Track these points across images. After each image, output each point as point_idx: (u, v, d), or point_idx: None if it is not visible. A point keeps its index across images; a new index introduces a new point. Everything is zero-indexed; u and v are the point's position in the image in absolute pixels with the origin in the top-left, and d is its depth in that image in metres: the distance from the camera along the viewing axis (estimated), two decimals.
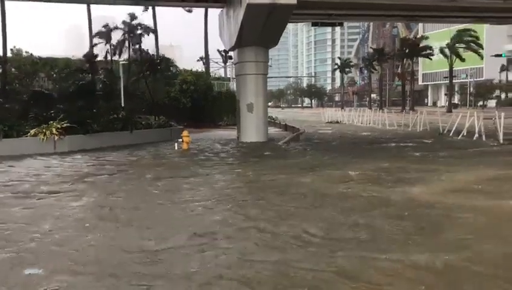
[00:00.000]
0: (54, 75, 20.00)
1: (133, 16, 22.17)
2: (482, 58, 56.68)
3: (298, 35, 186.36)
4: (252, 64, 18.81)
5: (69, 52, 58.86)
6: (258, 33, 17.59)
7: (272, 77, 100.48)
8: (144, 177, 10.12)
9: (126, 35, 22.21)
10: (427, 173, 9.91)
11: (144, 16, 29.72)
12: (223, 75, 49.63)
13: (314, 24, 26.94)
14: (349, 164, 11.60)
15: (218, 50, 49.41)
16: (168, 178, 9.88)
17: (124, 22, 22.32)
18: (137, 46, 22.58)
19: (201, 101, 27.85)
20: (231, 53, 25.49)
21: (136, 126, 18.79)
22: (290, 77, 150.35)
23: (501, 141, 16.12)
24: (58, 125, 15.32)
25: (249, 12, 16.44)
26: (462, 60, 55.40)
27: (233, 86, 33.91)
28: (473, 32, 54.25)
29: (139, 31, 22.27)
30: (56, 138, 15.18)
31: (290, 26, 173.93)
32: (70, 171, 11.16)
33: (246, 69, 18.94)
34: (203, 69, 38.86)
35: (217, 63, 51.43)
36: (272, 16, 16.62)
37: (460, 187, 8.49)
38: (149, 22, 26.73)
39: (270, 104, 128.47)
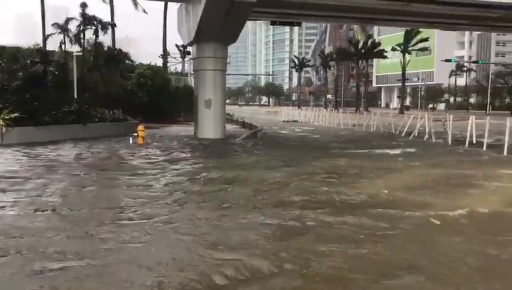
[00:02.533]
0: (2, 65, 19.11)
1: (84, 5, 21.55)
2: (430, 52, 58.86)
3: (257, 33, 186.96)
4: (210, 60, 18.72)
5: (18, 41, 56.58)
6: (217, 29, 17.53)
7: (230, 74, 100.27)
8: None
9: (81, 26, 21.59)
10: (375, 171, 10.22)
11: (100, 8, 28.80)
12: (181, 70, 49.16)
13: (272, 23, 27.14)
14: (306, 161, 11.78)
15: (176, 45, 48.84)
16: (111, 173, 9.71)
17: (80, 13, 21.70)
18: (92, 37, 21.99)
19: (159, 96, 27.44)
20: (190, 48, 25.26)
21: (90, 119, 18.29)
22: (249, 75, 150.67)
23: (449, 142, 16.79)
24: (6, 117, 14.72)
25: (208, 8, 16.36)
26: (409, 53, 57.47)
27: (191, 81, 33.65)
28: (421, 37, 56.34)
29: (94, 22, 21.69)
30: (4, 129, 14.57)
31: (249, 25, 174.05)
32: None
33: (205, 65, 18.83)
34: (162, 64, 38.30)
35: (175, 58, 50.81)
36: (231, 13, 16.61)
37: (394, 185, 8.76)
38: (106, 14, 26.13)
39: (228, 101, 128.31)
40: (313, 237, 5.34)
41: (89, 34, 22.33)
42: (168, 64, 43.16)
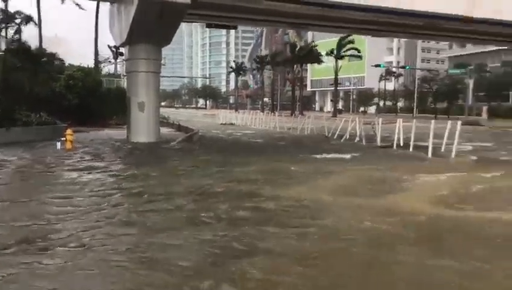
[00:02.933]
0: None
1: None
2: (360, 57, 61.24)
3: (193, 35, 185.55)
4: (143, 62, 18.26)
5: None
6: (151, 31, 17.15)
7: (165, 76, 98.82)
8: None
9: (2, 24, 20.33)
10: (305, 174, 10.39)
11: (26, 4, 27.16)
12: (114, 72, 47.61)
13: (208, 25, 26.99)
14: (240, 164, 11.75)
15: (108, 46, 47.29)
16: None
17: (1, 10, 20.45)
18: (16, 36, 20.75)
19: (90, 99, 26.36)
20: (123, 49, 24.52)
21: (14, 123, 17.21)
22: (185, 77, 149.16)
23: (378, 144, 17.44)
24: None
25: (140, 9, 15.97)
26: (342, 57, 59.48)
27: (124, 83, 32.63)
28: (353, 44, 58.48)
29: (18, 20, 20.49)
30: None
31: (185, 27, 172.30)
32: None
33: (138, 67, 18.34)
34: (94, 65, 36.88)
35: (108, 60, 49.15)
36: (165, 15, 16.31)
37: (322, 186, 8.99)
38: (33, 11, 24.71)
39: (164, 103, 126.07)
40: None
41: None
42: (101, 66, 41.72)
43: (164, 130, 23.57)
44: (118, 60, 46.46)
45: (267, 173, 10.34)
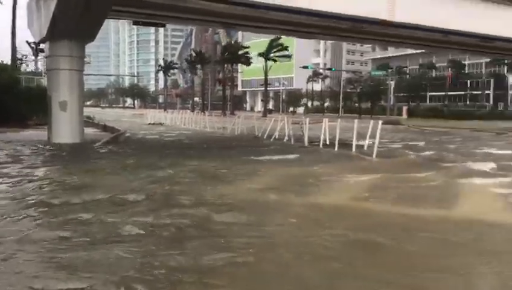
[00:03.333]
0: None
1: None
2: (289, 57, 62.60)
3: (120, 33, 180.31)
4: (66, 59, 17.39)
5: None
6: (73, 26, 16.39)
7: (90, 74, 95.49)
8: None
9: None
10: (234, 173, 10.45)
11: None
12: (34, 69, 44.98)
13: (135, 23, 26.22)
14: (166, 166, 11.55)
15: (27, 41, 44.57)
16: None
17: None
18: None
19: (6, 97, 24.70)
20: (43, 45, 23.16)
21: None
22: (112, 76, 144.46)
23: (306, 144, 17.88)
24: None
25: (61, 3, 15.21)
26: (274, 60, 60.51)
27: (45, 81, 30.95)
28: (282, 43, 59.62)
29: None
30: None
31: (112, 23, 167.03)
32: None
33: (59, 64, 17.44)
34: (11, 62, 34.61)
35: (26, 56, 46.30)
36: (88, 10, 15.64)
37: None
38: None
39: (89, 103, 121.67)
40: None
41: None
42: (19, 62, 39.25)
43: (89, 131, 22.67)
44: (38, 58, 43.93)
45: (194, 174, 10.24)
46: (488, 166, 12.21)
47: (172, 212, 6.65)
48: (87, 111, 28.80)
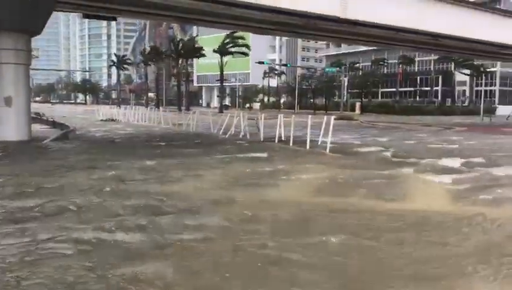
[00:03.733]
0: None
1: None
2: (247, 55, 62.39)
3: (70, 26, 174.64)
4: (10, 53, 16.58)
5: None
6: (18, 18, 15.67)
7: (39, 69, 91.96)
8: None
9: None
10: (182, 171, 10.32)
11: None
12: None
13: (85, 16, 25.40)
14: (117, 163, 11.26)
15: None
16: None
17: None
18: None
19: None
20: None
21: None
22: (62, 71, 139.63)
23: (261, 139, 17.93)
24: None
25: None
26: (231, 53, 60.31)
27: None
28: (241, 40, 59.43)
29: None
30: None
31: (61, 16, 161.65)
32: None
33: (2, 58, 16.61)
34: None
35: None
36: (33, 1, 15.00)
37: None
38: None
39: (38, 99, 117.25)
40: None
41: None
42: None
43: (37, 127, 21.86)
44: None
45: (145, 172, 10.03)
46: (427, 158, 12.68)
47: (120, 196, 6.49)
48: (36, 107, 27.72)
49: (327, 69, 68.03)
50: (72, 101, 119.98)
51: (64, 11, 25.52)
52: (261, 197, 7.63)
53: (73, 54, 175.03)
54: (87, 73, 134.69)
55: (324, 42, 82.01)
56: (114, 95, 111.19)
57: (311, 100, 65.19)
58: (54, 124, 24.30)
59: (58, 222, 5.77)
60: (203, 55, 66.03)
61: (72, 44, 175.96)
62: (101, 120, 33.93)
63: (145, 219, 5.99)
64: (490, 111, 49.55)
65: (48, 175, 9.42)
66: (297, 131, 17.36)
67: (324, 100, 62.99)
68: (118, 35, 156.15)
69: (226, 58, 61.93)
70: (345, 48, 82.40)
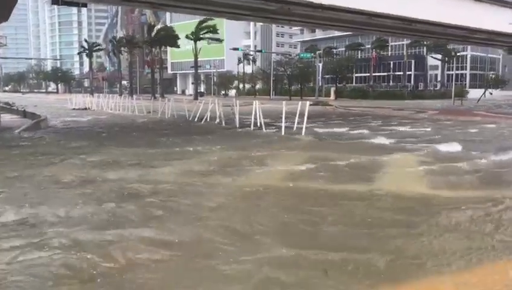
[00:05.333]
0: None
1: None
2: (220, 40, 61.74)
3: (39, 13, 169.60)
4: None
5: None
6: None
7: (8, 58, 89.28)
8: None
9: None
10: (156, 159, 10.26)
11: None
12: None
13: (54, 2, 24.63)
14: (90, 151, 11.11)
15: None
16: None
17: None
18: None
19: None
20: None
21: None
22: (31, 59, 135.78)
23: (237, 126, 17.91)
24: None
25: None
26: (203, 39, 59.69)
27: None
28: (212, 25, 58.66)
29: None
30: None
31: (29, 3, 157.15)
32: None
33: None
34: None
35: None
36: None
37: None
38: None
39: (7, 88, 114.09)
40: None
41: None
42: None
43: (7, 117, 21.35)
44: None
45: (117, 160, 9.92)
46: (389, 139, 12.91)
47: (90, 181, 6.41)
48: (5, 97, 26.94)
49: (302, 55, 67.85)
50: (43, 90, 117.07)
51: None
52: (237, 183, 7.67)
53: (43, 41, 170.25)
54: (58, 61, 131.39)
55: (298, 28, 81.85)
56: (87, 84, 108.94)
57: (287, 86, 65.12)
58: (24, 114, 23.73)
59: None
60: (177, 43, 65.13)
61: (41, 31, 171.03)
62: (73, 109, 33.30)
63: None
64: (462, 95, 50.50)
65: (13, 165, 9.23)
66: (273, 117, 17.40)
67: (299, 86, 63.02)
68: (89, 22, 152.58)
69: (200, 45, 61.22)
70: (319, 34, 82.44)
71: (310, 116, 16.16)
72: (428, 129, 17.93)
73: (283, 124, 15.32)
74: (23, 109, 25.16)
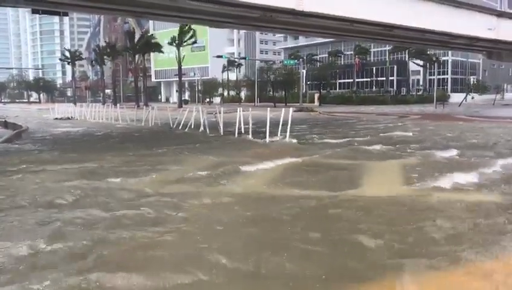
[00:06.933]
0: None
1: None
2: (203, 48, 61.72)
3: (20, 22, 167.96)
4: None
5: None
6: None
7: None
8: None
9: None
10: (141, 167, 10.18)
11: None
12: None
13: (34, 11, 24.44)
14: (75, 160, 10.97)
15: None
16: None
17: None
18: None
19: None
20: None
21: None
22: (13, 68, 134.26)
23: (221, 133, 17.87)
24: None
25: None
26: (187, 44, 59.58)
27: None
28: (192, 30, 58.68)
29: None
30: None
31: (10, 12, 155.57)
32: None
33: None
34: None
35: None
36: None
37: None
38: None
39: None
40: None
41: None
42: None
43: None
44: None
45: (100, 170, 9.82)
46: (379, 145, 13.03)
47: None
48: None
49: (286, 62, 68.16)
50: (26, 100, 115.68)
51: (10, 6, 24.52)
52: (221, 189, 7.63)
53: (24, 50, 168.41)
54: (40, 71, 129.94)
55: (282, 35, 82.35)
56: (69, 93, 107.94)
57: (271, 93, 65.32)
58: (5, 124, 23.41)
59: None
60: (161, 51, 65.00)
61: (23, 41, 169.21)
62: (56, 118, 32.91)
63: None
64: (443, 99, 51.22)
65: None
66: (257, 124, 17.40)
67: (284, 93, 63.27)
68: (71, 31, 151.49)
69: (184, 53, 61.17)
70: (302, 40, 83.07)
71: (294, 122, 16.17)
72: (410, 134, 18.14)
73: (267, 131, 15.34)
74: (4, 120, 24.81)
